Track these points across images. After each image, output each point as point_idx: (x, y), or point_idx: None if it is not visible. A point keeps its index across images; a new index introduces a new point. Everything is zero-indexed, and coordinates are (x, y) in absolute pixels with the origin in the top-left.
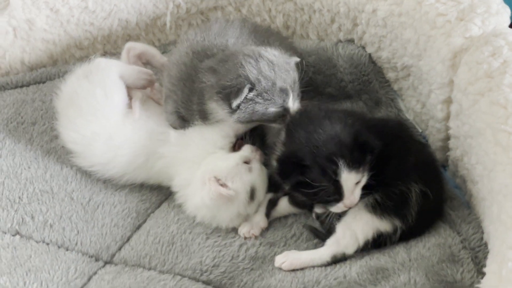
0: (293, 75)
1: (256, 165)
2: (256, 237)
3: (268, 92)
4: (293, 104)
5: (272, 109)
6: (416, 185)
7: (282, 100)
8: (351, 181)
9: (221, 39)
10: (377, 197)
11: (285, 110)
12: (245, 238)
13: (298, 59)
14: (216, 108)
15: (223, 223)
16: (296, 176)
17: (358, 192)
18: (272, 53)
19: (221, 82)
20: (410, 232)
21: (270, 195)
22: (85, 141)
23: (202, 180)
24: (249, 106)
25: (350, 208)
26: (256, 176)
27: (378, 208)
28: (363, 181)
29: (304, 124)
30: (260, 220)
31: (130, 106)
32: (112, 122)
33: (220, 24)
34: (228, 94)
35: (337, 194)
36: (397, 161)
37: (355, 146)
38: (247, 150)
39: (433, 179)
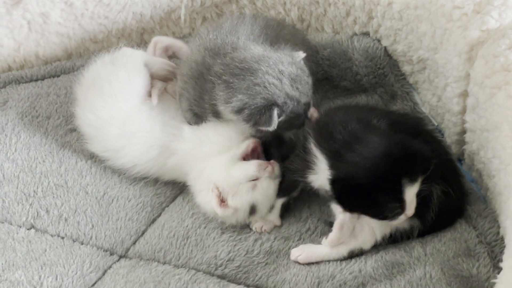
0: (308, 80)
1: (264, 183)
2: (269, 232)
3: (295, 111)
4: (311, 111)
5: (295, 122)
6: (438, 186)
7: (304, 112)
8: (413, 193)
9: (232, 37)
10: None
11: (305, 118)
12: (260, 233)
13: (303, 54)
14: (234, 119)
15: (226, 223)
16: (357, 200)
17: (414, 199)
18: (287, 62)
19: (243, 102)
20: (429, 230)
21: (283, 200)
22: (100, 124)
23: (208, 183)
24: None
25: None
26: (260, 193)
27: None
28: (418, 186)
29: (349, 143)
30: (274, 219)
31: (149, 95)
32: (130, 106)
33: (232, 21)
34: (252, 115)
35: (400, 208)
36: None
37: (409, 158)
38: (253, 168)
39: (453, 178)
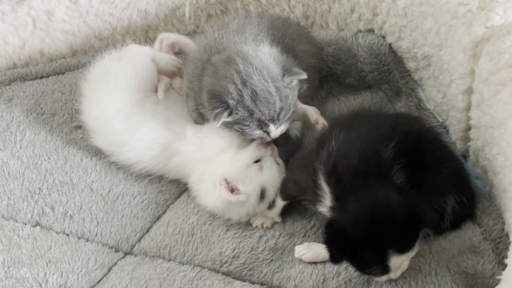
0: (279, 104)
1: (267, 163)
2: (274, 228)
3: (245, 122)
4: (276, 130)
5: (251, 132)
6: (452, 197)
7: (261, 128)
8: (401, 262)
9: (239, 36)
10: None
11: (267, 134)
12: (260, 229)
13: (303, 77)
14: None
15: (233, 219)
16: (345, 249)
17: (406, 263)
18: (268, 76)
19: (208, 95)
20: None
21: (284, 203)
22: (105, 117)
23: (213, 182)
24: (228, 125)
25: None
26: (267, 174)
27: None
28: (415, 251)
29: (354, 186)
30: (274, 216)
31: (155, 90)
32: (135, 100)
33: (239, 20)
34: (210, 108)
35: (384, 272)
36: (432, 174)
37: (408, 223)
38: (254, 147)
39: (466, 186)
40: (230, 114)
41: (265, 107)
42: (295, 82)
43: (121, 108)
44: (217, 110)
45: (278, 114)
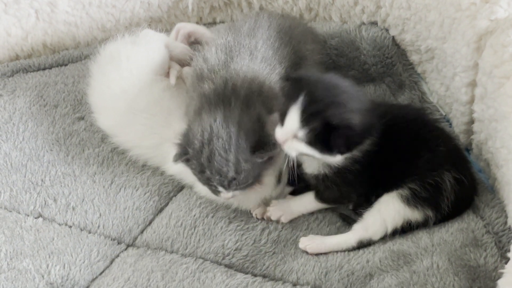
0: (232, 175)
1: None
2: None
3: (197, 175)
4: (227, 193)
5: (202, 180)
6: (449, 173)
7: (211, 187)
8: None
9: (251, 40)
10: (411, 188)
11: (218, 193)
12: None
13: (274, 154)
14: None
15: (248, 206)
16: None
17: (296, 147)
18: (228, 146)
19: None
20: (444, 220)
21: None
22: (113, 97)
23: None
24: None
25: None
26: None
27: (411, 199)
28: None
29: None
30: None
31: (166, 75)
32: (144, 82)
33: (250, 24)
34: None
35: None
36: (427, 151)
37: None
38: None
39: (464, 165)
40: (187, 161)
41: (217, 173)
42: (266, 157)
43: (130, 89)
44: (178, 152)
45: (229, 183)
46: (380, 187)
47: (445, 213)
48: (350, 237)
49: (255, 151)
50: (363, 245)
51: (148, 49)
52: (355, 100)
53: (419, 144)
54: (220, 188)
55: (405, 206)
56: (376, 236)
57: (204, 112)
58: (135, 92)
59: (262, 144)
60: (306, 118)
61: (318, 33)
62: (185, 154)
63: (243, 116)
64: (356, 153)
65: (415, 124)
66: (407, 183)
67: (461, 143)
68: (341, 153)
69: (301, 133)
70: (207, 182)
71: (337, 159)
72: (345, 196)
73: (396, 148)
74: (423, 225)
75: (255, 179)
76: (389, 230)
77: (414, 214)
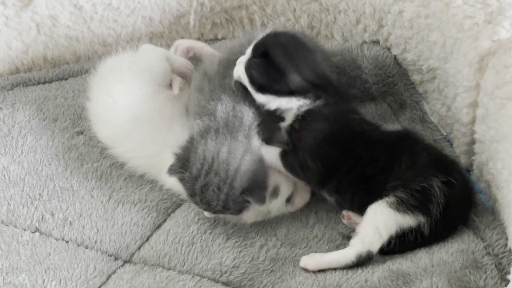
0: (219, 208)
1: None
2: (275, 237)
3: (186, 192)
4: (210, 215)
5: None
6: (436, 178)
7: (200, 207)
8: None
9: None
10: (398, 195)
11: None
12: None
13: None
14: None
15: (246, 221)
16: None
17: (239, 69)
18: (222, 183)
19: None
20: (443, 227)
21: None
22: (114, 107)
23: None
24: None
25: None
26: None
27: (400, 206)
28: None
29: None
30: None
31: (169, 87)
32: (146, 92)
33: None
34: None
35: None
36: (408, 157)
37: None
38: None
39: (451, 166)
40: (181, 179)
41: (206, 204)
42: (252, 204)
43: (132, 100)
44: (174, 168)
45: (215, 212)
46: (364, 199)
47: (437, 218)
48: (348, 252)
49: (246, 195)
50: (362, 259)
51: (150, 61)
52: (306, 50)
53: (396, 150)
54: (206, 213)
55: (394, 211)
56: (374, 246)
57: (210, 138)
58: (137, 102)
59: (255, 188)
60: (254, 50)
61: (323, 49)
62: (180, 172)
63: (246, 155)
64: (300, 102)
65: (396, 137)
66: (390, 191)
67: (462, 164)
68: (256, 86)
69: (244, 59)
70: (194, 202)
71: (258, 97)
72: (304, 168)
73: (371, 155)
74: (419, 230)
75: (238, 213)
76: (385, 237)
77: (406, 219)
